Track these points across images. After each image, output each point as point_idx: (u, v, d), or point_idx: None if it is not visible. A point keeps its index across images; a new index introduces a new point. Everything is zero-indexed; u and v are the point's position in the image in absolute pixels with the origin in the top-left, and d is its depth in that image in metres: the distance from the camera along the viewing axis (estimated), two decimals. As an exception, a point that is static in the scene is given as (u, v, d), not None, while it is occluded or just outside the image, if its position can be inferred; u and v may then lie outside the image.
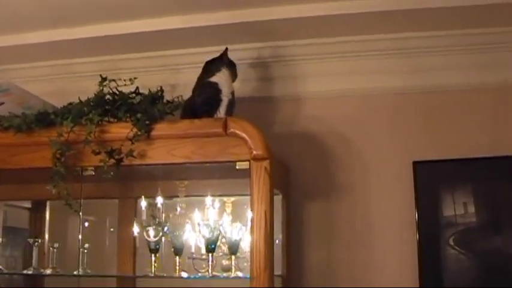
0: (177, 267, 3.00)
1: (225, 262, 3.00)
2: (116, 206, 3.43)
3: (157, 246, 3.05)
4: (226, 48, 2.97)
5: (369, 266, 3.09)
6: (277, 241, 2.95)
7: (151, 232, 3.06)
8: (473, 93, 3.09)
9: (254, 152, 2.62)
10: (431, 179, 3.05)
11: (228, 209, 3.12)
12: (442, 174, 3.05)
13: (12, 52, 3.37)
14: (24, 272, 3.39)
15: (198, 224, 3.01)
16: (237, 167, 2.67)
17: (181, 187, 3.23)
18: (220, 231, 2.94)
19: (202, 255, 3.03)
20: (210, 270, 2.90)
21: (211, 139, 2.70)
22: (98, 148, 2.77)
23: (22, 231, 3.69)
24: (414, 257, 3.00)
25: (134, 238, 3.30)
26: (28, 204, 3.72)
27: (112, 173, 2.77)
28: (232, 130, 2.67)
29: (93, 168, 2.86)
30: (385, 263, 3.07)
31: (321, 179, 3.22)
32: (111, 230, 3.49)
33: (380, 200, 3.13)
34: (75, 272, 3.10)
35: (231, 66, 2.98)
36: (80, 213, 2.96)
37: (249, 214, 2.65)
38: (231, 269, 2.91)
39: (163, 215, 3.17)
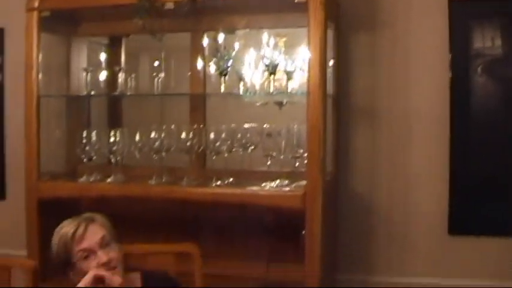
0: (241, 88, 3.37)
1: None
2: (188, 39, 3.64)
3: (225, 72, 3.32)
4: None
5: (406, 91, 3.45)
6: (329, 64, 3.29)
7: (213, 65, 3.33)
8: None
9: (312, -14, 2.92)
10: (464, 15, 3.32)
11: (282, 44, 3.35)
12: (474, 11, 3.32)
13: None
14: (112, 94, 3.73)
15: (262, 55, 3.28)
16: (296, 0, 3.01)
17: (242, 21, 3.39)
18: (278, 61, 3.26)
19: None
20: (271, 88, 3.24)
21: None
22: (177, -15, 3.06)
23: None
24: (446, 84, 3.35)
25: (204, 67, 3.51)
26: (106, 41, 4.01)
27: (186, 8, 3.10)
28: (292, -32, 2.96)
29: (172, 2, 3.17)
30: (420, 89, 3.43)
31: (368, 13, 3.50)
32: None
33: (418, 34, 3.42)
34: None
35: None
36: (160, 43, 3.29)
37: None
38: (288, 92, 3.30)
39: (226, 48, 3.33)
